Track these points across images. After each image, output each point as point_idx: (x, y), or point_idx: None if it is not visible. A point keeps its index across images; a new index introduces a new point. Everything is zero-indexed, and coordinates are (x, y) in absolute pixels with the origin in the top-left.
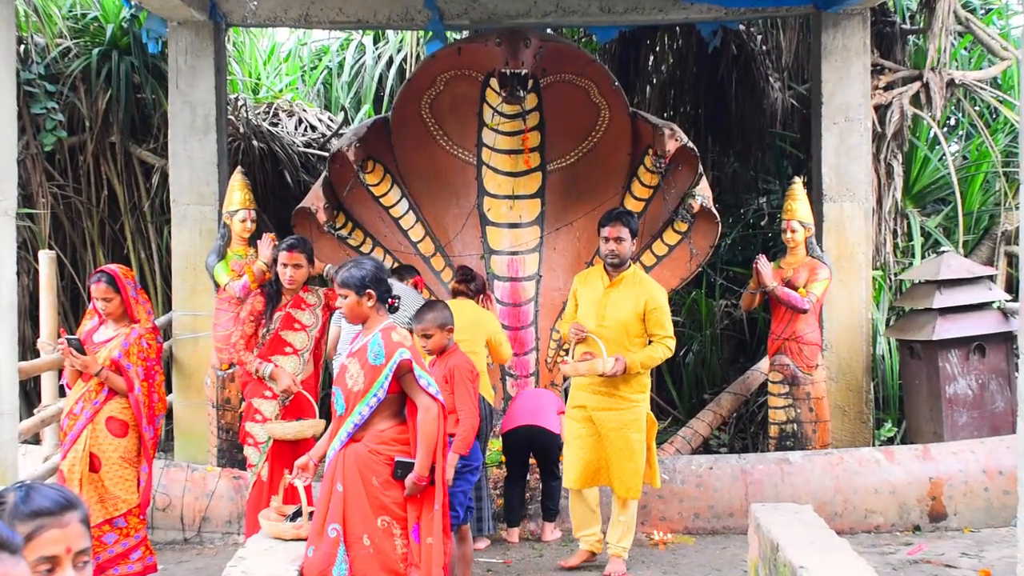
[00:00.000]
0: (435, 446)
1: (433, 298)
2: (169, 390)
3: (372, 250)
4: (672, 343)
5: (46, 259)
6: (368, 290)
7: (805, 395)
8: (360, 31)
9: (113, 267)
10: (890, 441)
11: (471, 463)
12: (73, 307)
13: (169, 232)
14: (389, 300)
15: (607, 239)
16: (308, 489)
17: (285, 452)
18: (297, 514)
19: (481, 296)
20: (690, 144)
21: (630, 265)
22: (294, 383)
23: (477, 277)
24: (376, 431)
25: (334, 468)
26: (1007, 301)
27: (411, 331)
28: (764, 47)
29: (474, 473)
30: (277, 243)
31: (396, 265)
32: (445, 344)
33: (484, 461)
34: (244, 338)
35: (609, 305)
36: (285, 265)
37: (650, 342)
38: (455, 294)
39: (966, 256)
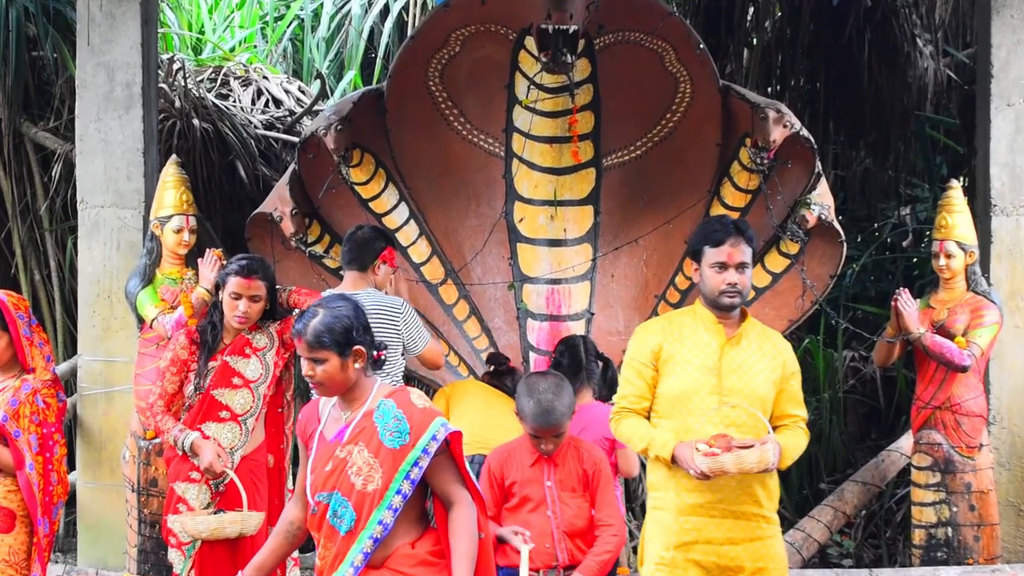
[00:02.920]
0: (480, 559)
1: (544, 373)
2: (72, 466)
3: None
4: (804, 426)
5: None
6: (357, 347)
7: (964, 487)
8: None
9: None
10: None
11: None
12: None
13: (75, 245)
14: (376, 353)
15: (723, 266)
16: None
17: (220, 556)
18: None
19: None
20: (804, 132)
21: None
22: (218, 460)
23: (516, 372)
24: (404, 548)
25: None
26: None
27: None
28: None
29: None
30: (225, 263)
31: (355, 231)
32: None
33: None
34: (164, 397)
35: (734, 372)
36: (237, 296)
37: (774, 427)
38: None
39: None
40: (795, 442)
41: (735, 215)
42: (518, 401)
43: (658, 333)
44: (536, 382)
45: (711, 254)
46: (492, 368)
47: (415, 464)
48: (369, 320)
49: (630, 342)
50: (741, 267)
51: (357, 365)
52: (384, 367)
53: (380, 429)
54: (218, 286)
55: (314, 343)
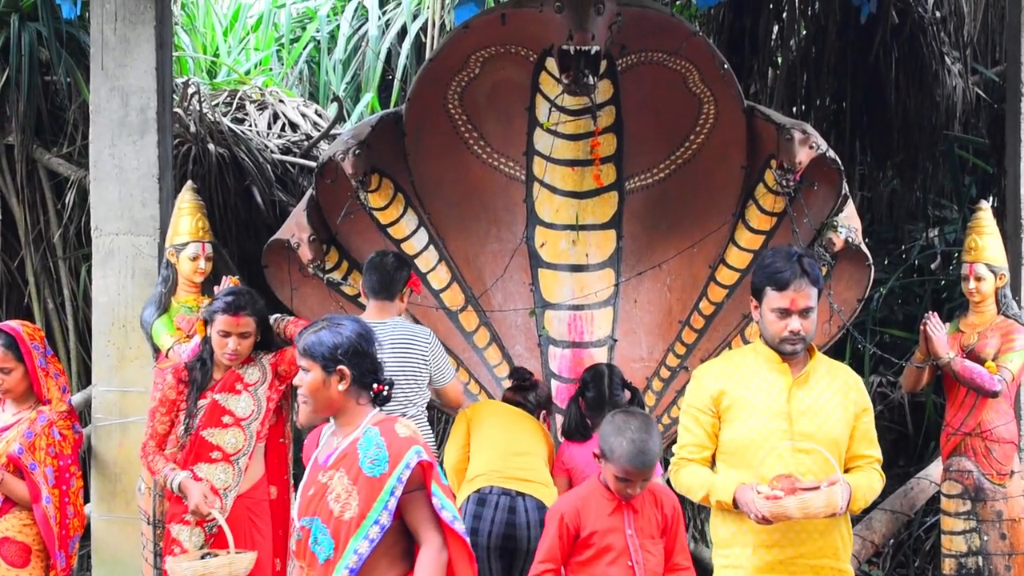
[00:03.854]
0: None
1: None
2: (87, 499)
3: None
4: (879, 468)
5: None
6: (341, 366)
7: (995, 515)
8: None
9: (13, 324)
10: None
11: None
12: None
13: (89, 273)
14: (375, 386)
15: (785, 312)
16: None
17: None
18: None
19: (543, 414)
20: (831, 153)
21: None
22: (205, 501)
23: (540, 387)
24: None
25: None
26: None
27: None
28: (938, 13)
29: None
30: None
31: (378, 260)
32: None
33: None
34: (154, 437)
35: (805, 414)
36: (226, 334)
37: (845, 470)
38: (508, 403)
39: None
40: (867, 483)
41: (760, 239)
42: (605, 441)
43: (718, 377)
44: (626, 421)
45: (773, 297)
46: (515, 384)
47: (391, 494)
48: (395, 349)
49: (688, 387)
50: (806, 312)
51: (341, 387)
52: (410, 398)
53: (361, 456)
54: (206, 322)
55: (302, 351)
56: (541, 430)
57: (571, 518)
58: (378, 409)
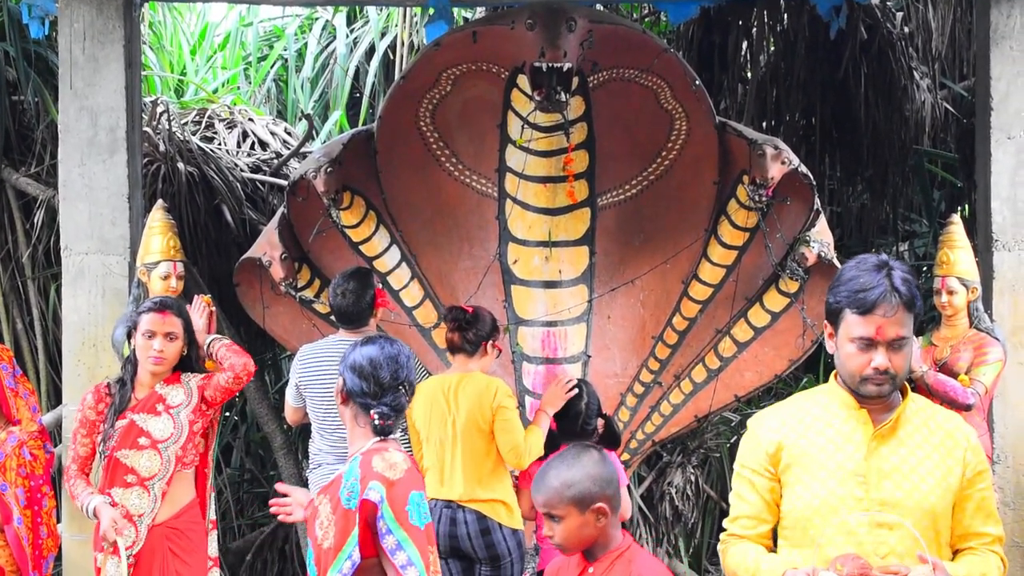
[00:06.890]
0: None
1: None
2: (59, 518)
3: None
4: (1001, 550)
5: None
6: (342, 377)
7: None
8: (329, 7)
9: None
10: None
11: None
12: None
13: (58, 293)
14: (373, 414)
15: (868, 342)
16: None
17: None
18: None
19: (489, 344)
20: (802, 168)
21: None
22: (112, 527)
23: (480, 319)
24: None
25: None
26: None
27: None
28: (906, 28)
29: None
30: (213, 309)
31: (340, 292)
32: (600, 530)
33: None
34: (76, 461)
35: (888, 477)
36: (151, 335)
37: (955, 551)
38: (450, 349)
39: None
40: (981, 571)
41: (733, 254)
42: None
43: (775, 428)
44: (566, 451)
45: (853, 323)
46: (452, 324)
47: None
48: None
49: (742, 441)
50: (896, 344)
51: (338, 400)
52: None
53: (342, 486)
54: (129, 334)
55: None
56: (484, 384)
57: (550, 573)
58: (377, 439)
